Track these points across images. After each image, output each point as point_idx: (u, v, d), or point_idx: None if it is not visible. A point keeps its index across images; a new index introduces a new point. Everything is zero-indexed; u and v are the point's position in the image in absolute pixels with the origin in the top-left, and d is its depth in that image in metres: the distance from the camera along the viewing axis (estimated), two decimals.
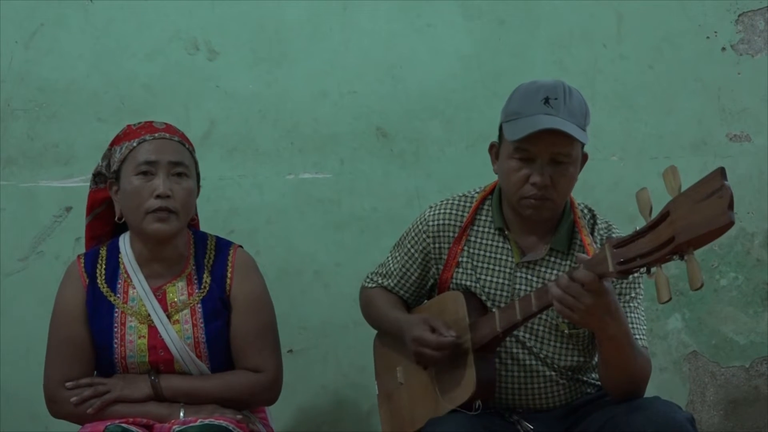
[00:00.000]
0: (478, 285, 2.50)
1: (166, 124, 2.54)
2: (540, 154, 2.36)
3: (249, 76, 3.25)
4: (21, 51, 3.16)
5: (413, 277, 2.63)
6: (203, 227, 2.73)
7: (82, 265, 2.54)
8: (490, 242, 2.53)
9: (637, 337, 2.40)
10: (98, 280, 2.51)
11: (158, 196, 2.41)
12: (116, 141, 2.53)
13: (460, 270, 2.53)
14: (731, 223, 1.87)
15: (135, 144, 2.46)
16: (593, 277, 2.13)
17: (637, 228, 2.06)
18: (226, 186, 3.25)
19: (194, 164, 2.54)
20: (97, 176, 2.58)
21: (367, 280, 2.76)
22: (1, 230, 3.16)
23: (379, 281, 2.70)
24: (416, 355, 2.45)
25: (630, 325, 2.39)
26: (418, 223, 2.61)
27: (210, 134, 3.24)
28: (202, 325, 2.49)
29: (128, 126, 2.54)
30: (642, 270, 2.06)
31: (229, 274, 2.54)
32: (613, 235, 2.49)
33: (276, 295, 3.20)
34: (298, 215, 3.28)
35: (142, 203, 2.42)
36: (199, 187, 2.57)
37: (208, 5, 3.22)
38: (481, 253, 2.53)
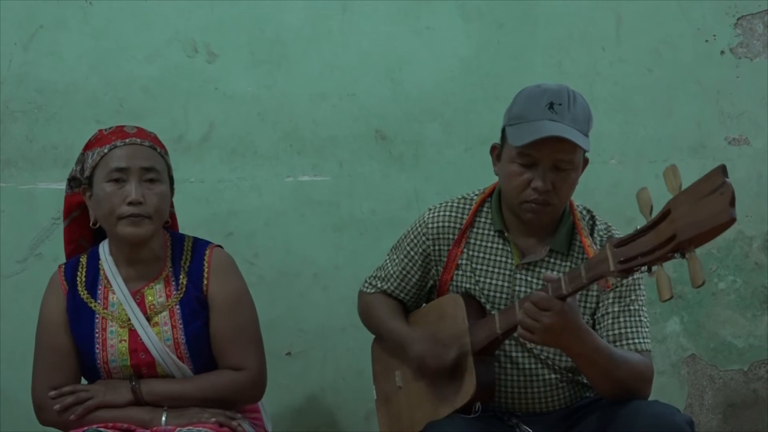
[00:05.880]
0: (477, 287, 2.50)
1: (137, 128, 2.53)
2: (543, 160, 2.36)
3: (248, 79, 3.25)
4: (20, 53, 3.15)
5: (413, 280, 2.63)
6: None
7: (62, 273, 2.56)
8: (489, 244, 2.52)
9: (637, 341, 2.41)
10: (78, 288, 2.53)
11: (130, 203, 2.42)
12: (89, 146, 2.53)
13: (460, 272, 2.53)
14: (733, 220, 1.87)
15: (106, 150, 2.46)
16: (544, 297, 2.17)
17: (638, 227, 2.06)
18: (224, 188, 3.24)
19: (167, 167, 2.53)
20: (72, 181, 2.59)
21: (366, 284, 2.75)
22: (0, 232, 3.16)
23: (378, 285, 2.69)
24: (419, 369, 2.47)
25: (630, 330, 2.41)
26: (418, 225, 2.60)
27: (209, 136, 3.24)
28: (181, 326, 2.49)
29: (100, 131, 2.54)
30: (643, 269, 2.06)
31: (205, 274, 2.53)
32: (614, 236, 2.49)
33: (274, 298, 3.22)
34: (297, 218, 3.28)
35: (114, 209, 2.43)
36: (172, 189, 2.57)
37: (207, 7, 3.22)
38: (481, 255, 2.52)
